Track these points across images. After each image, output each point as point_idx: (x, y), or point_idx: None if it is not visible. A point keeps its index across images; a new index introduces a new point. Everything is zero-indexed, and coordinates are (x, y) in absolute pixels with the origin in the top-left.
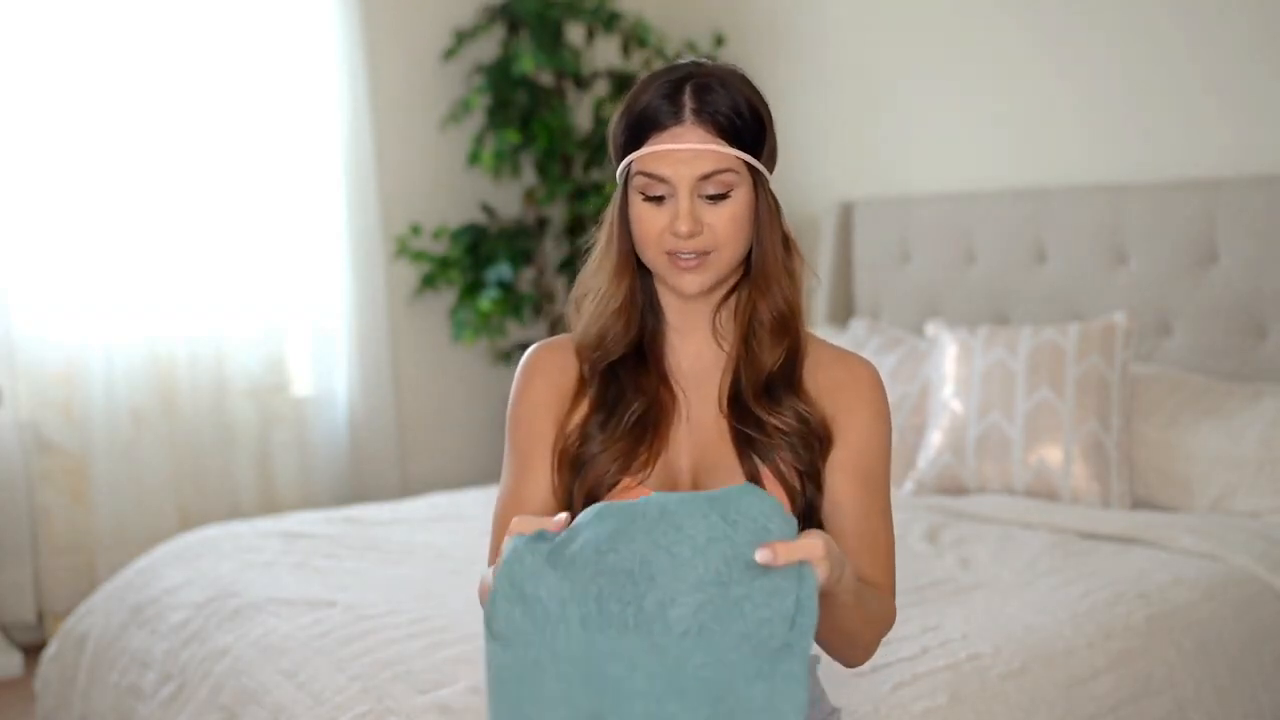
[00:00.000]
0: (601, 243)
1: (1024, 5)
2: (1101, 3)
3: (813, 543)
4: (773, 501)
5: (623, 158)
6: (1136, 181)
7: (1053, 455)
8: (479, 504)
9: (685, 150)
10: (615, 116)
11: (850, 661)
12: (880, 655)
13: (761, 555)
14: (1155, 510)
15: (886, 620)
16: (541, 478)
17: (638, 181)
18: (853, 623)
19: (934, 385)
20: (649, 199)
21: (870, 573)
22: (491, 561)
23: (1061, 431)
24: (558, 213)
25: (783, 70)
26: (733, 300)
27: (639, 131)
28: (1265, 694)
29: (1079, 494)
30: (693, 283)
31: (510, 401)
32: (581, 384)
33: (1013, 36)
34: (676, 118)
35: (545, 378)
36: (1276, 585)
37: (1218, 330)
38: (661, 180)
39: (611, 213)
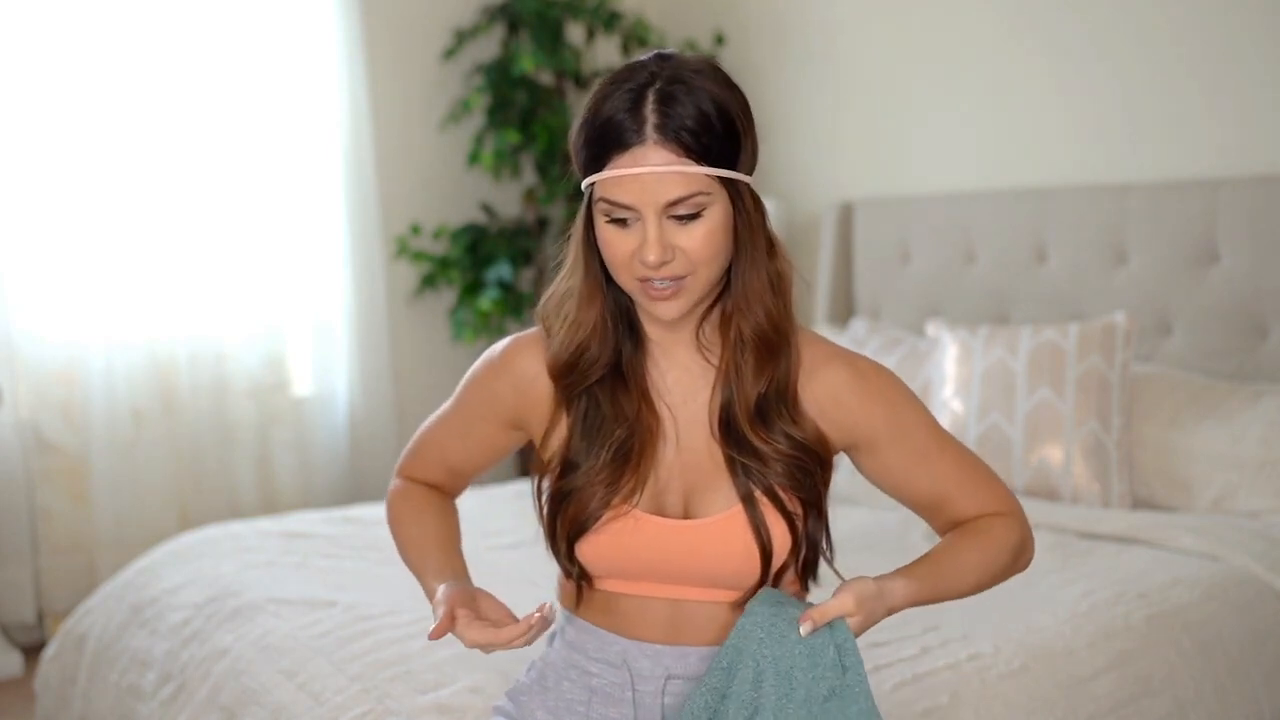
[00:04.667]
0: (569, 261)
1: (1024, 6)
2: (1101, 4)
3: (842, 601)
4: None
5: (584, 173)
6: (1136, 181)
7: (1053, 455)
8: (478, 504)
9: (649, 174)
10: (576, 124)
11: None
12: (880, 655)
13: (804, 630)
14: (1155, 510)
15: (1013, 547)
16: (474, 445)
17: (600, 206)
18: (967, 588)
19: (934, 385)
20: (614, 221)
21: (978, 508)
22: (399, 471)
23: (1062, 431)
24: (558, 213)
25: (783, 70)
26: (716, 312)
27: (599, 150)
28: (1265, 694)
29: (1079, 494)
30: (669, 310)
31: (479, 365)
32: (557, 404)
33: (1013, 37)
34: (638, 135)
35: (514, 381)
36: (1276, 585)
37: (1218, 330)
38: (625, 208)
39: (577, 230)
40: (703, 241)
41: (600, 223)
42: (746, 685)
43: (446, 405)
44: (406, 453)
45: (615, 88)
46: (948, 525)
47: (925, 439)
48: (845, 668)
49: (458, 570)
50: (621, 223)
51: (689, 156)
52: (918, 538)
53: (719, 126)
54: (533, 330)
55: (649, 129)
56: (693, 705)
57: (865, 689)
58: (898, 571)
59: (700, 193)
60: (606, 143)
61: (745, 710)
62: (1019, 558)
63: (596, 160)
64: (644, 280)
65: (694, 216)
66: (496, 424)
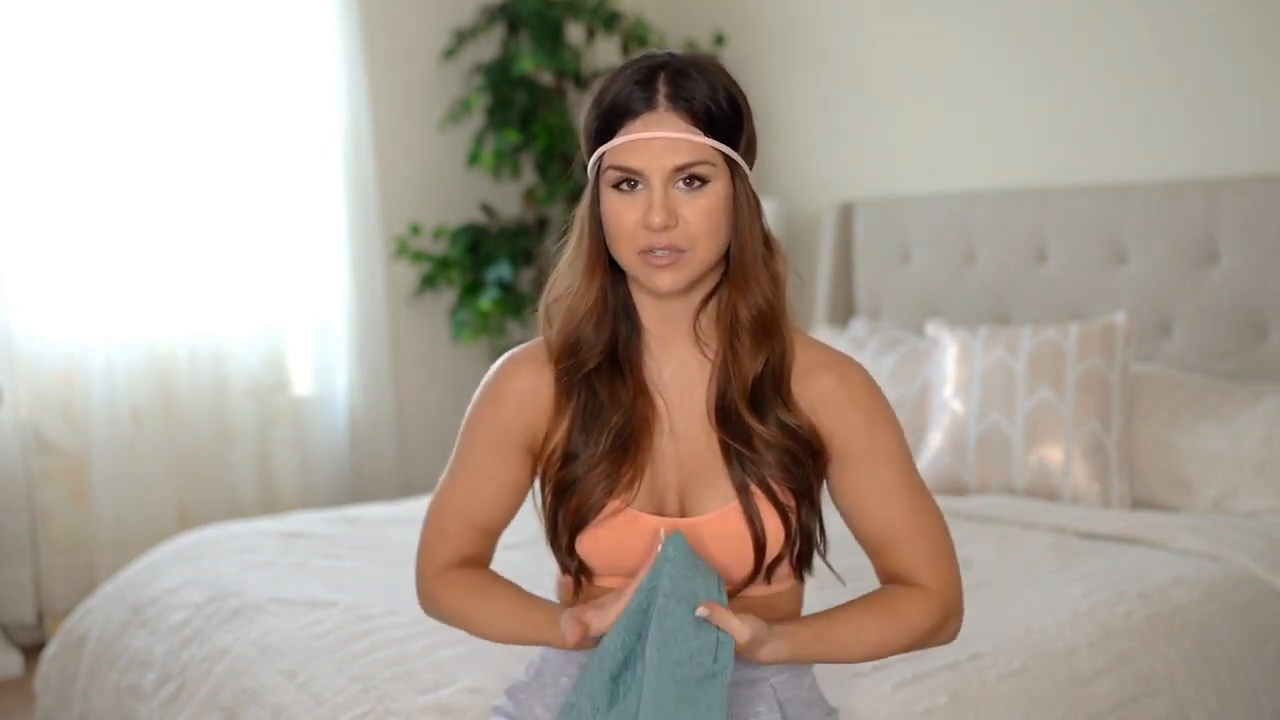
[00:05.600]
0: (572, 241)
1: (1024, 5)
2: (1102, 3)
3: (738, 630)
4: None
5: (594, 149)
6: (1136, 181)
7: (1053, 455)
8: None
9: (658, 139)
10: (587, 106)
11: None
12: None
13: (701, 612)
14: (1155, 510)
15: (920, 631)
16: (497, 491)
17: (609, 175)
18: (855, 658)
19: (934, 385)
20: (621, 190)
21: (912, 571)
22: (426, 568)
23: (1062, 431)
24: (558, 213)
25: (783, 70)
26: (713, 304)
27: (610, 120)
28: (1265, 694)
29: (1079, 494)
30: (667, 281)
31: (475, 407)
32: (558, 399)
33: (1013, 36)
34: (649, 105)
35: (517, 400)
36: (1276, 585)
37: (1218, 330)
38: (634, 173)
39: (582, 208)
40: (705, 214)
41: (606, 193)
42: (657, 633)
43: (451, 470)
44: (426, 543)
45: (627, 68)
46: (887, 575)
47: (891, 474)
48: (717, 656)
49: (555, 608)
50: (628, 192)
51: (697, 126)
52: None
53: (726, 106)
54: (519, 348)
55: (660, 98)
56: (610, 643)
57: (724, 684)
58: (786, 628)
59: (705, 162)
60: (618, 112)
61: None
62: (930, 638)
63: (608, 130)
64: (645, 251)
65: (698, 187)
66: (516, 456)
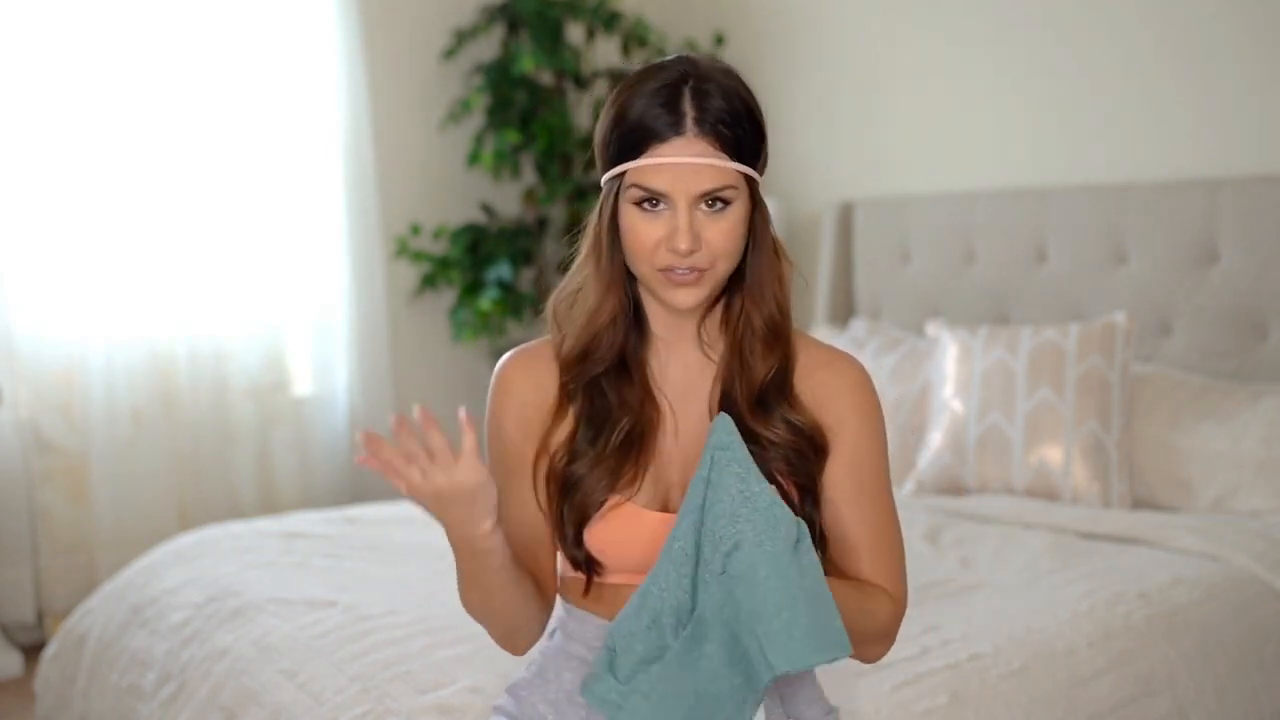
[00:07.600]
0: (585, 250)
1: (1024, 6)
2: (1102, 3)
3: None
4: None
5: (614, 164)
6: (1136, 181)
7: (1053, 455)
8: None
9: (687, 165)
10: (605, 121)
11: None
12: None
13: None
14: (1155, 510)
15: (878, 630)
16: (528, 496)
17: (631, 193)
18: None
19: (934, 385)
20: (643, 209)
21: (871, 576)
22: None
23: (1062, 431)
24: (558, 213)
25: (783, 70)
26: (718, 310)
27: (636, 140)
28: (1265, 694)
29: (1079, 494)
30: (689, 297)
31: (488, 415)
32: (562, 396)
33: (1013, 36)
34: (677, 129)
35: (523, 394)
36: (1276, 585)
37: (1218, 330)
38: (659, 194)
39: (598, 221)
40: (727, 235)
41: (627, 210)
42: (723, 520)
43: None
44: None
45: (647, 84)
46: (841, 576)
47: (869, 477)
48: (799, 525)
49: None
50: (650, 211)
51: (724, 150)
52: (915, 539)
53: (747, 125)
54: (519, 349)
55: (688, 122)
56: (682, 538)
57: (810, 540)
58: None
59: (730, 186)
60: (645, 134)
61: (724, 545)
62: (876, 644)
63: (633, 149)
64: (666, 269)
65: (721, 209)
66: (532, 460)
